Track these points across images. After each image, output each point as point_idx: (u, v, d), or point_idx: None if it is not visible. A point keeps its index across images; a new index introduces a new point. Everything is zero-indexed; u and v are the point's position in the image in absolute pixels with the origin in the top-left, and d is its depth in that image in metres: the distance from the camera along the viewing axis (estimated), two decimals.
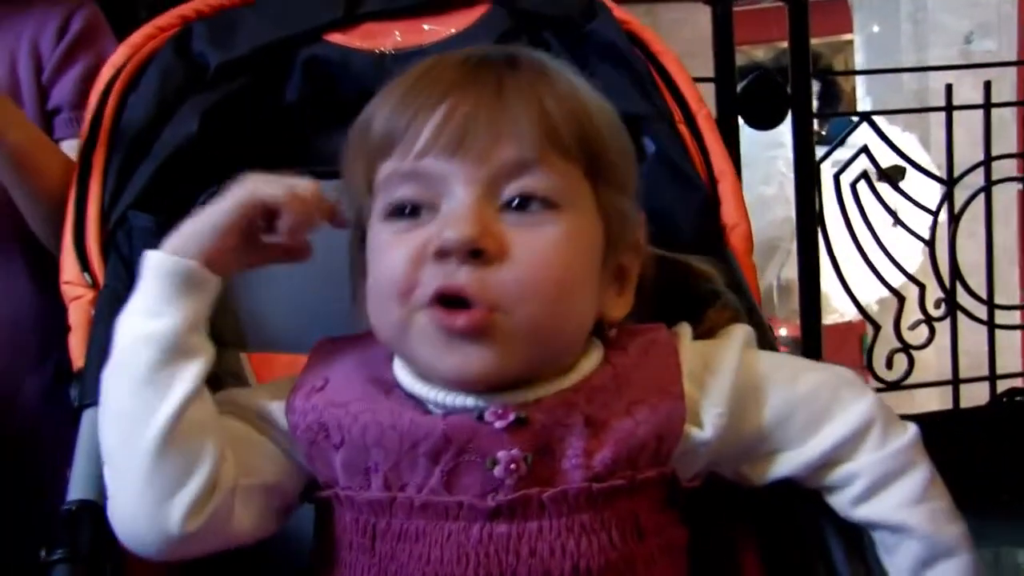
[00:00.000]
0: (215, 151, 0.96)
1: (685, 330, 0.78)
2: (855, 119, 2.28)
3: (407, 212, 0.70)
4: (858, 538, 0.77)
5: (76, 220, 0.95)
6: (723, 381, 0.73)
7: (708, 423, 0.72)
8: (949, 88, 2.21)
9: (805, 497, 0.77)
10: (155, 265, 0.73)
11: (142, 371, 0.70)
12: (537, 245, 0.68)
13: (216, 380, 0.80)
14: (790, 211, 2.26)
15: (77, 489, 0.74)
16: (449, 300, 0.67)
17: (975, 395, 2.44)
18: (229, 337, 0.90)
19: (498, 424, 0.68)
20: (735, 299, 0.86)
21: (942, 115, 2.26)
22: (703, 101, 1.03)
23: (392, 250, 0.70)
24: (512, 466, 0.67)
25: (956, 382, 2.36)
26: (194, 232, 0.74)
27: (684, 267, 0.88)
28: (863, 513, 0.74)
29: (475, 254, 0.67)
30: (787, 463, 0.75)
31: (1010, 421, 2.33)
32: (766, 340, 0.85)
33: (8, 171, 1.07)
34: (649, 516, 0.70)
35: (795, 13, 2.06)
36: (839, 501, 0.75)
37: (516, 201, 0.69)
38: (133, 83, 0.99)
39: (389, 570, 0.68)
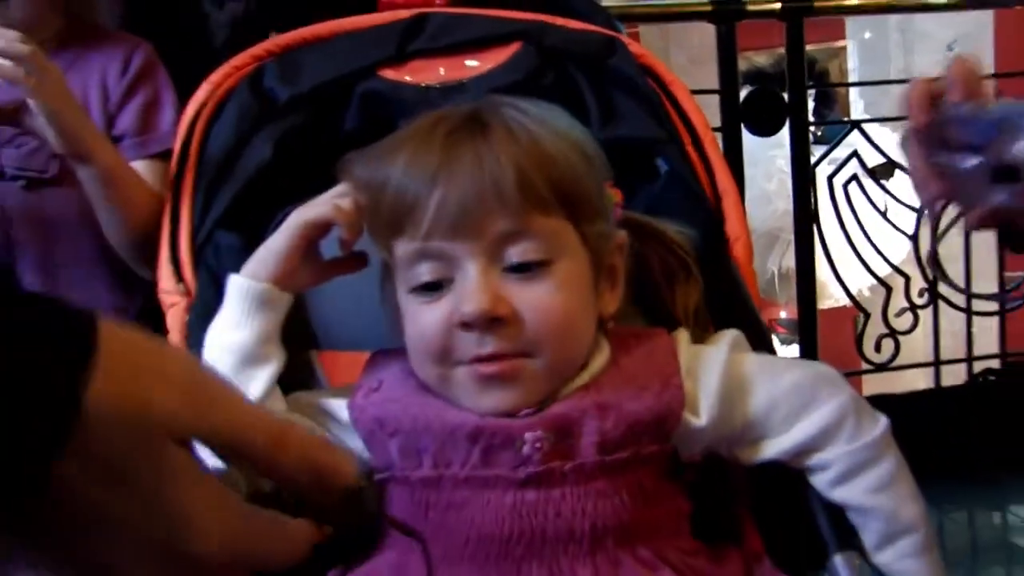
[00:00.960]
0: (287, 175, 1.04)
1: (683, 335, 0.88)
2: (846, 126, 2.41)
3: (428, 286, 0.80)
4: (841, 508, 0.85)
5: (171, 236, 1.04)
6: (713, 377, 0.83)
7: (703, 412, 0.82)
8: None
9: (794, 474, 0.86)
10: (235, 287, 0.86)
11: (224, 375, 0.82)
12: (542, 300, 0.79)
13: (291, 374, 0.90)
14: (790, 205, 2.38)
15: None
16: (483, 359, 0.79)
17: (960, 372, 2.61)
18: (302, 339, 0.99)
19: (523, 412, 0.79)
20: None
21: None
22: (709, 126, 1.12)
23: (423, 319, 0.81)
24: (537, 445, 0.77)
25: (937, 364, 2.51)
26: (263, 258, 0.87)
27: (660, 234, 0.96)
28: (837, 495, 0.84)
29: (494, 320, 0.78)
30: (772, 448, 0.84)
31: (985, 399, 2.49)
32: (764, 342, 0.95)
33: (99, 189, 1.17)
34: (654, 485, 0.80)
35: (792, 30, 2.16)
36: (818, 482, 0.85)
37: (516, 264, 0.79)
38: (215, 115, 1.07)
39: (439, 535, 0.78)
